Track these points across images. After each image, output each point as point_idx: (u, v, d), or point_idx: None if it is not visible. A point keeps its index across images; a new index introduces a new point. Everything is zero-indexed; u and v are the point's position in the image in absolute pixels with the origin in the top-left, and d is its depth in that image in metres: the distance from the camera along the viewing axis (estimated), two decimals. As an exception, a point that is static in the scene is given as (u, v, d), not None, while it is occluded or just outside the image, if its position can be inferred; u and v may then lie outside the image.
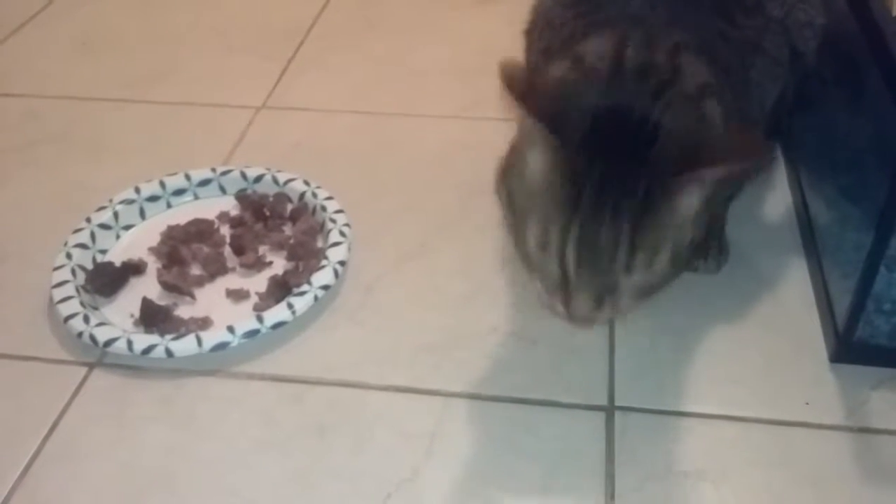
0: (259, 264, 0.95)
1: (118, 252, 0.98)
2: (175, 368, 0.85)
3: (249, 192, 1.05)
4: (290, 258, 0.96)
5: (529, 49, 0.89)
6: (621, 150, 0.61)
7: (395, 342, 0.87)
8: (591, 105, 0.63)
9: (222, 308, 0.91)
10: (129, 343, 0.84)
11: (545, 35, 0.85)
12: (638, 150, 0.61)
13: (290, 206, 1.03)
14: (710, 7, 0.76)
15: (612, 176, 0.61)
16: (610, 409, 0.80)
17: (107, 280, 0.92)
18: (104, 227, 0.99)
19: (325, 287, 0.90)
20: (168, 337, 0.85)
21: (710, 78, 0.68)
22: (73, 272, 0.92)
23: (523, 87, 0.62)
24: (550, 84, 0.65)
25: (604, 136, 0.61)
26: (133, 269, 0.95)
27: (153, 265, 0.96)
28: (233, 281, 0.94)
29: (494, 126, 1.18)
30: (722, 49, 0.74)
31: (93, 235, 0.97)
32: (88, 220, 0.99)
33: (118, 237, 1.00)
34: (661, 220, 0.63)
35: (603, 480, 0.74)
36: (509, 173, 0.71)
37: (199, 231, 0.99)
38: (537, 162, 0.65)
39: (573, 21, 0.80)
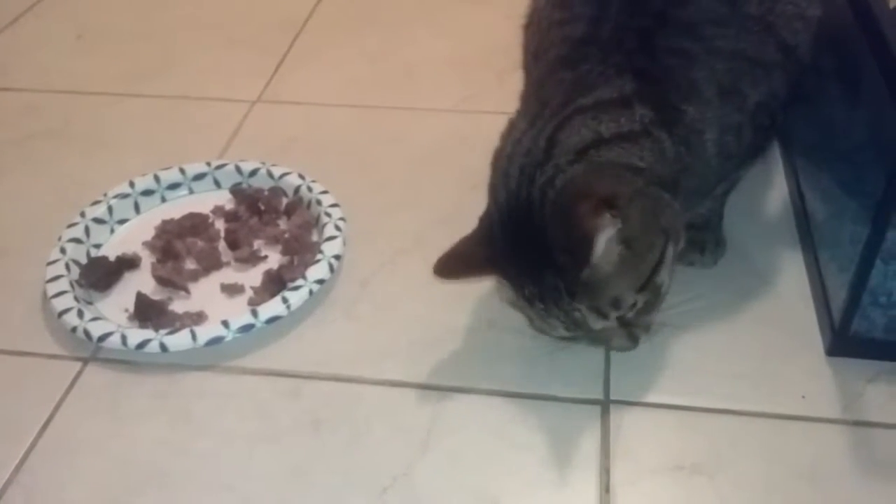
0: (254, 258, 0.95)
1: (112, 246, 0.98)
2: (169, 363, 0.85)
3: (244, 186, 1.05)
4: (284, 252, 0.96)
5: (525, 46, 0.89)
6: (536, 265, 0.72)
7: (390, 336, 0.87)
8: (503, 242, 0.74)
9: (217, 302, 0.90)
10: (124, 338, 0.84)
11: (536, 36, 0.86)
12: (544, 259, 0.71)
13: (285, 201, 1.03)
14: (675, 29, 0.77)
15: (542, 288, 0.72)
16: (605, 403, 0.80)
17: (101, 275, 0.92)
18: (98, 221, 0.99)
19: (320, 281, 0.90)
20: (162, 332, 0.85)
21: (613, 127, 0.73)
22: (68, 267, 0.92)
23: (448, 269, 0.77)
24: (467, 242, 0.77)
25: (521, 260, 0.73)
26: (127, 263, 0.95)
27: (147, 259, 0.96)
28: (227, 275, 0.94)
29: (491, 119, 1.17)
30: (679, 73, 0.76)
31: (87, 230, 0.97)
32: (83, 214, 0.98)
33: (112, 231, 1.00)
34: (594, 290, 0.71)
35: (598, 474, 0.74)
36: None
37: (194, 225, 0.99)
38: (504, 290, 0.78)
39: (554, 28, 0.82)
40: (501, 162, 0.76)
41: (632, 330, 0.76)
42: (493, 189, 0.76)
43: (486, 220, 0.77)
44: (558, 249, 0.69)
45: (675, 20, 0.77)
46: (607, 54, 0.76)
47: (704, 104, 0.76)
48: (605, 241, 0.68)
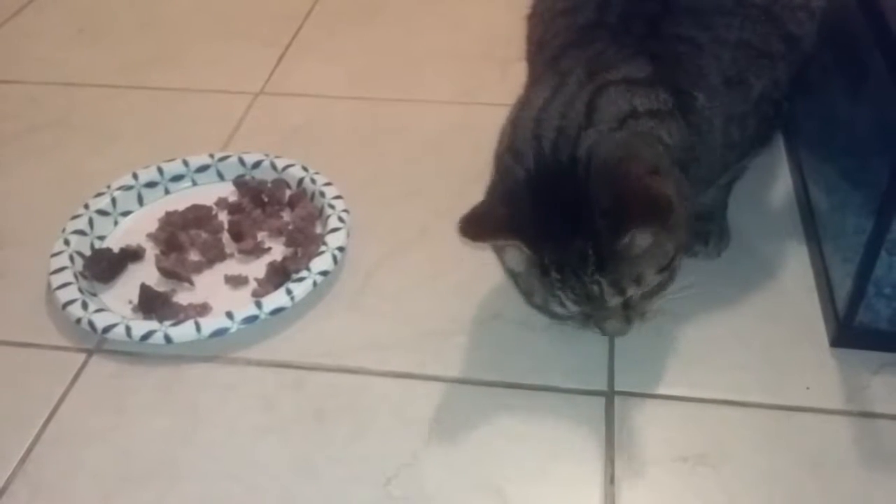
0: (257, 250, 0.95)
1: (116, 238, 0.98)
2: (174, 354, 0.85)
3: (248, 178, 1.05)
4: (288, 244, 0.96)
5: (529, 37, 0.89)
6: (565, 230, 0.70)
7: (394, 328, 0.87)
8: (530, 205, 0.71)
9: (221, 294, 0.90)
10: (128, 329, 0.84)
11: (539, 27, 0.86)
12: (576, 225, 0.69)
13: (288, 192, 1.03)
14: (682, 17, 0.77)
15: (566, 255, 0.70)
16: (610, 395, 0.80)
17: (105, 266, 0.92)
18: (102, 213, 0.99)
19: (324, 273, 0.90)
20: (167, 323, 0.85)
21: (644, 103, 0.72)
22: (72, 258, 0.92)
23: (474, 229, 0.72)
24: (493, 205, 0.73)
25: (549, 225, 0.70)
26: (131, 255, 0.95)
27: (151, 251, 0.96)
28: (231, 267, 0.94)
29: (494, 111, 1.16)
30: (688, 61, 0.75)
31: (91, 222, 0.97)
32: (86, 206, 0.98)
33: (116, 223, 1.00)
34: (621, 263, 0.70)
35: (603, 465, 0.74)
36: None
37: (198, 217, 0.99)
38: (517, 259, 0.75)
39: (559, 18, 0.81)
40: (525, 125, 0.74)
41: (629, 313, 0.75)
42: (516, 152, 0.74)
43: (507, 188, 0.73)
44: (602, 212, 0.68)
45: (681, 8, 0.77)
46: (617, 36, 0.76)
47: (712, 92, 0.76)
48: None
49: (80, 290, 0.88)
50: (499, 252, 0.78)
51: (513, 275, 0.77)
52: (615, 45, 0.76)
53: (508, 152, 0.75)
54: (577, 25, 0.79)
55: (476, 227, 0.72)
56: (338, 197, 0.99)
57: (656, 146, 0.71)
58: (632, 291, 0.72)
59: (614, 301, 0.72)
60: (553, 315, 0.76)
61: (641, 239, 0.69)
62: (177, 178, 1.04)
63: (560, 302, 0.73)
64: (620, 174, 0.67)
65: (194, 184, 1.05)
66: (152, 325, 0.85)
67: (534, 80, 0.81)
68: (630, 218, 0.67)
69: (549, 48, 0.81)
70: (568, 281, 0.71)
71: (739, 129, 0.79)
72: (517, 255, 0.73)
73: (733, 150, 0.80)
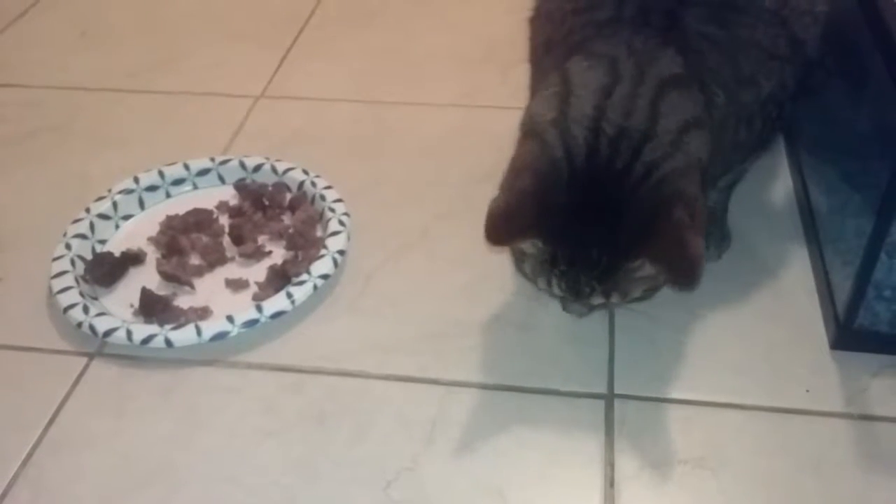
0: (258, 254, 0.95)
1: (117, 242, 0.98)
2: (175, 358, 0.85)
3: (248, 181, 1.05)
4: (289, 247, 0.96)
5: (532, 39, 0.89)
6: (588, 232, 0.69)
7: (394, 331, 0.87)
8: (564, 199, 0.69)
9: (221, 298, 0.91)
10: (129, 333, 0.84)
11: (546, 27, 0.85)
12: (602, 231, 0.69)
13: (289, 196, 1.03)
14: (700, 12, 0.76)
15: (580, 255, 0.70)
16: (609, 397, 0.80)
17: (106, 270, 0.92)
18: (103, 217, 0.99)
19: (325, 276, 0.90)
20: (167, 327, 0.85)
21: (693, 109, 0.71)
22: (73, 262, 0.92)
23: (502, 231, 0.70)
24: (521, 198, 0.70)
25: (576, 224, 0.69)
26: (132, 259, 0.95)
27: (152, 255, 0.96)
28: (232, 270, 0.94)
29: (494, 114, 1.18)
30: (710, 57, 0.75)
31: (92, 226, 0.97)
32: (87, 210, 0.99)
33: (117, 227, 1.00)
34: (621, 279, 0.72)
35: (602, 468, 0.74)
36: None
37: (198, 221, 0.99)
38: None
39: (572, 17, 0.80)
40: (582, 110, 0.70)
41: (598, 307, 0.78)
42: (567, 137, 0.70)
43: (544, 171, 0.70)
44: (632, 232, 0.68)
45: (697, 3, 0.76)
46: (637, 29, 0.75)
47: (728, 91, 0.75)
48: None
49: (81, 294, 0.88)
50: None
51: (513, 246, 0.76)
52: (637, 35, 0.74)
53: (556, 129, 0.71)
54: (595, 22, 0.78)
55: (504, 228, 0.70)
56: (338, 200, 0.99)
57: (698, 171, 0.71)
58: (615, 300, 0.74)
59: (598, 302, 0.75)
60: (532, 283, 0.77)
61: (650, 268, 0.70)
62: (178, 182, 1.05)
63: (549, 283, 0.74)
64: (663, 213, 0.67)
65: (195, 187, 1.05)
66: (153, 328, 0.85)
67: (566, 59, 0.76)
68: (643, 250, 0.68)
69: (562, 46, 0.80)
70: (568, 275, 0.72)
71: (747, 129, 0.79)
72: (533, 242, 0.73)
73: (738, 150, 0.81)
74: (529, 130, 0.74)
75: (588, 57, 0.74)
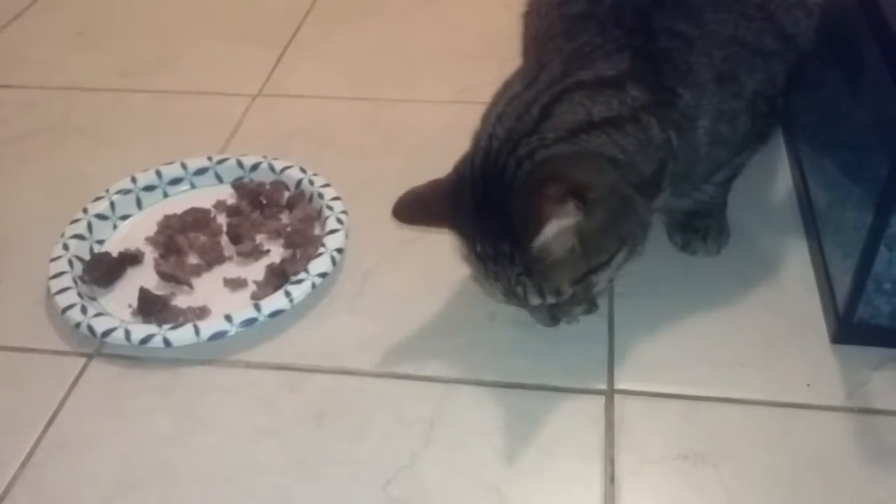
0: (256, 253, 0.95)
1: (115, 242, 0.98)
2: (173, 358, 0.85)
3: (246, 180, 1.05)
4: (287, 246, 0.96)
5: (525, 34, 0.89)
6: (495, 229, 0.73)
7: (393, 329, 0.87)
8: (469, 200, 0.74)
9: (220, 297, 0.90)
10: (127, 333, 0.84)
11: (535, 22, 0.85)
12: (504, 227, 0.71)
13: (286, 194, 1.03)
14: (674, 10, 0.76)
15: (489, 243, 0.74)
16: (609, 393, 0.80)
17: (104, 270, 0.92)
18: (101, 217, 0.99)
19: (323, 275, 0.90)
20: (166, 326, 0.85)
21: (606, 110, 0.73)
22: (71, 263, 0.92)
23: (407, 211, 0.77)
24: (434, 189, 0.77)
25: (481, 221, 0.74)
26: (130, 259, 0.95)
27: (150, 255, 0.96)
28: (230, 270, 0.94)
29: (492, 110, 1.17)
30: (678, 57, 0.75)
31: (90, 226, 0.97)
32: (85, 210, 0.98)
33: (115, 227, 1.00)
34: (540, 268, 0.72)
35: (603, 464, 0.74)
36: None
37: (196, 220, 0.99)
38: (459, 242, 0.78)
39: (554, 10, 0.81)
40: (490, 119, 0.76)
41: (555, 312, 0.79)
42: (475, 142, 0.76)
43: (459, 171, 0.76)
44: (516, 223, 0.70)
45: (674, 2, 0.76)
46: (605, 29, 0.76)
47: (700, 89, 0.76)
48: (559, 228, 0.69)
49: (80, 295, 0.88)
50: None
51: (465, 259, 0.80)
52: (600, 36, 0.75)
53: (475, 136, 0.77)
54: (568, 16, 0.79)
55: (411, 209, 0.77)
56: (336, 198, 0.99)
57: (598, 162, 0.71)
58: (551, 299, 0.75)
59: (536, 302, 0.76)
60: (486, 294, 0.80)
61: (557, 252, 0.71)
62: (175, 182, 1.04)
63: (490, 287, 0.77)
64: (531, 191, 0.69)
65: (192, 187, 1.05)
66: (151, 328, 0.85)
67: (521, 67, 0.82)
68: (529, 236, 0.69)
69: (542, 41, 0.81)
70: (499, 275, 0.75)
71: (730, 126, 0.78)
72: (457, 237, 0.77)
73: (724, 147, 0.80)
74: (473, 135, 0.78)
75: (527, 63, 0.79)
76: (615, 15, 0.76)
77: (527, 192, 0.69)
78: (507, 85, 0.79)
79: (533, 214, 0.68)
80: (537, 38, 0.84)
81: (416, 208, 0.77)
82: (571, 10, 0.79)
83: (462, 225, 0.76)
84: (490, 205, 0.73)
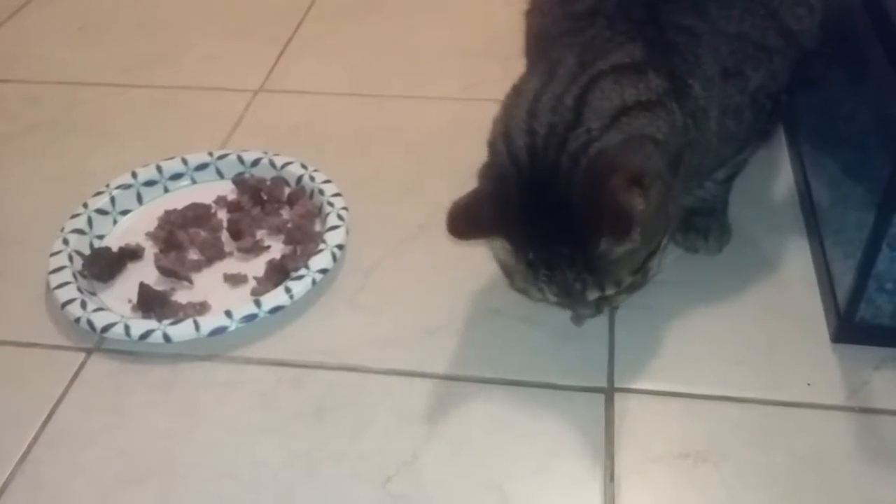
0: (257, 248, 0.95)
1: (115, 237, 0.97)
2: (173, 353, 0.85)
3: (247, 176, 1.05)
4: (287, 242, 0.95)
5: (527, 32, 0.89)
6: (551, 231, 0.71)
7: (394, 325, 0.87)
8: (518, 204, 0.71)
9: (220, 293, 0.90)
10: (127, 328, 0.84)
11: (538, 20, 0.85)
12: (562, 228, 0.70)
13: (287, 190, 1.02)
14: (681, 5, 0.76)
15: (554, 255, 0.72)
16: (610, 391, 0.80)
17: (104, 265, 0.92)
18: (101, 212, 0.98)
19: (324, 271, 0.90)
20: (166, 322, 0.84)
21: (636, 93, 0.72)
22: (71, 258, 0.92)
23: (462, 226, 0.73)
24: (480, 199, 0.73)
25: (536, 225, 0.71)
26: (130, 254, 0.94)
27: (150, 250, 0.96)
28: (230, 265, 0.94)
29: (494, 107, 1.16)
30: (687, 49, 0.75)
31: (90, 221, 0.97)
32: (85, 205, 0.98)
33: (115, 222, 1.00)
34: (605, 263, 0.71)
35: (603, 462, 0.74)
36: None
37: (197, 216, 0.99)
38: (502, 251, 0.76)
39: (556, 8, 0.81)
40: (519, 116, 0.73)
41: (601, 304, 0.78)
42: (510, 145, 0.73)
43: (497, 177, 0.73)
44: (586, 219, 0.68)
45: None
46: (613, 22, 0.75)
47: (707, 82, 0.75)
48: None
49: (79, 290, 0.88)
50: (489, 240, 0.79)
51: (498, 260, 0.79)
52: (609, 30, 0.75)
53: (502, 139, 0.74)
54: (574, 14, 0.79)
55: (464, 224, 0.72)
56: (337, 194, 0.99)
57: (647, 147, 0.71)
58: (610, 291, 0.74)
59: (593, 297, 0.75)
60: (528, 297, 0.78)
61: (618, 247, 0.70)
62: (176, 177, 1.04)
63: (541, 291, 0.75)
64: (599, 186, 0.67)
65: (193, 182, 1.05)
66: (151, 324, 0.84)
67: (526, 71, 0.81)
68: (600, 231, 0.69)
69: (546, 40, 0.81)
70: (555, 277, 0.73)
71: (735, 121, 0.78)
72: (504, 247, 0.74)
73: (729, 142, 0.80)
74: (489, 142, 0.76)
75: (539, 62, 0.77)
76: (623, 10, 0.76)
77: (595, 189, 0.67)
78: (519, 89, 0.77)
79: (613, 212, 0.67)
80: (539, 37, 0.84)
81: (467, 222, 0.72)
82: (577, 9, 0.79)
83: (513, 232, 0.72)
84: (544, 206, 0.70)
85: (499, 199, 0.72)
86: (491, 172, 0.74)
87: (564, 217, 0.69)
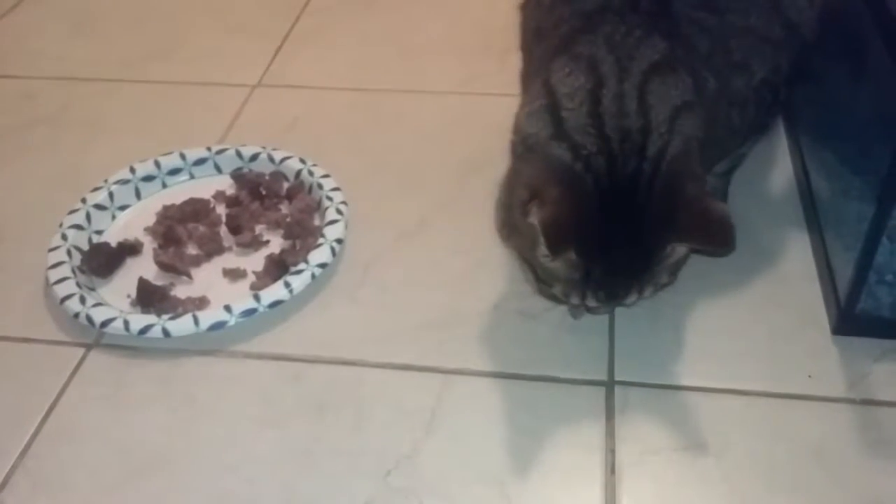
0: (256, 243, 0.95)
1: (114, 232, 0.97)
2: (172, 348, 0.84)
3: (245, 170, 1.04)
4: (286, 237, 0.95)
5: (523, 25, 0.88)
6: (620, 237, 0.69)
7: (393, 320, 0.87)
8: (596, 215, 0.69)
9: (219, 287, 0.90)
10: (126, 323, 0.83)
11: (536, 14, 0.84)
12: (632, 233, 0.69)
13: (286, 185, 1.02)
14: None
15: (617, 264, 0.71)
16: (610, 384, 0.80)
17: (103, 261, 0.92)
18: (99, 207, 0.98)
19: (323, 265, 0.89)
20: (165, 317, 0.84)
21: (680, 93, 0.71)
22: (69, 253, 0.91)
23: (561, 242, 0.68)
24: (567, 210, 0.69)
25: (610, 236, 0.69)
26: (129, 249, 0.94)
27: (149, 245, 0.96)
28: (229, 260, 0.94)
29: (492, 101, 1.17)
30: (699, 43, 0.75)
31: (88, 216, 0.97)
32: (84, 200, 0.98)
33: (114, 217, 0.99)
34: (659, 268, 0.72)
35: (603, 455, 0.74)
36: (512, 225, 0.77)
37: (195, 210, 0.99)
38: (558, 259, 0.71)
39: (561, 6, 0.80)
40: (580, 118, 0.70)
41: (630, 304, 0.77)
42: (576, 149, 0.69)
43: (568, 183, 0.69)
44: (659, 225, 0.69)
45: None
46: (624, 16, 0.74)
47: (719, 76, 0.75)
48: None
49: (78, 285, 0.88)
50: (520, 242, 0.76)
51: (543, 268, 0.74)
52: (623, 24, 0.74)
53: (556, 141, 0.70)
54: (582, 12, 0.77)
55: (563, 238, 0.68)
56: (336, 189, 0.98)
57: (696, 150, 0.71)
58: (648, 293, 0.74)
59: (632, 300, 0.74)
60: (562, 302, 0.77)
61: (680, 250, 0.71)
62: (174, 172, 1.04)
63: (583, 297, 0.74)
64: (679, 194, 0.68)
65: (192, 177, 1.05)
66: (150, 319, 0.84)
67: (541, 68, 0.77)
68: (668, 237, 0.69)
69: (552, 37, 0.79)
70: (606, 283, 0.72)
71: (740, 115, 0.78)
72: (566, 255, 0.70)
73: (734, 136, 0.80)
74: (528, 149, 0.73)
75: (569, 61, 0.74)
76: (632, 3, 0.75)
77: (673, 196, 0.68)
78: (560, 86, 0.72)
79: (716, 224, 0.68)
80: (539, 32, 0.83)
81: (566, 236, 0.68)
82: (587, 7, 0.77)
83: (589, 240, 0.69)
84: (621, 213, 0.69)
85: (580, 208, 0.69)
86: (559, 177, 0.69)
87: (637, 223, 0.69)
